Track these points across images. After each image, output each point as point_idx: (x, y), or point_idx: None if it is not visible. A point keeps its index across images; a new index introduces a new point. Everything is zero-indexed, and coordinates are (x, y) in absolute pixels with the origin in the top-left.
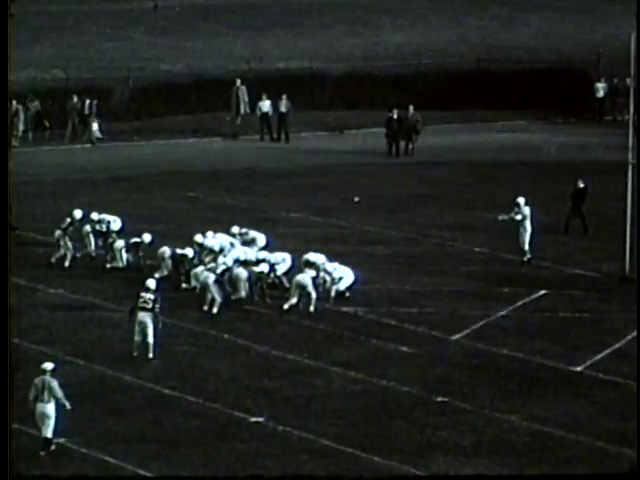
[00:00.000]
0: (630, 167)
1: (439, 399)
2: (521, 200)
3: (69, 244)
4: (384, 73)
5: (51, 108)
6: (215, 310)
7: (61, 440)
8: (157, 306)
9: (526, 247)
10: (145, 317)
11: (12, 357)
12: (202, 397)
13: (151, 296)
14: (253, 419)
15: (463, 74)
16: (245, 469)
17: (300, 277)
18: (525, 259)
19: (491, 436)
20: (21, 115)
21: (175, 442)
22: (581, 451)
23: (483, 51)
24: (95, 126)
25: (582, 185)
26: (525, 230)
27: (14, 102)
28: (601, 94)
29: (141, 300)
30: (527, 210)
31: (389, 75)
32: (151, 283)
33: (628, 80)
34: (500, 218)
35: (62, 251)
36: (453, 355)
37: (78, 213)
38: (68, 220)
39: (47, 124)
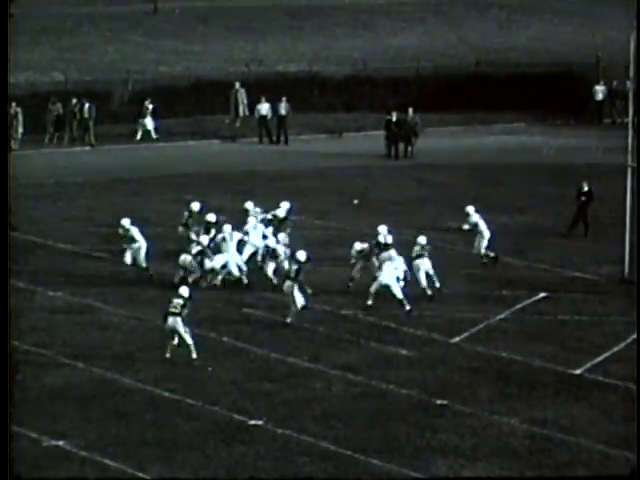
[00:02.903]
0: (629, 170)
1: (439, 402)
2: (470, 209)
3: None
4: (383, 76)
5: (72, 111)
6: (289, 320)
7: (60, 443)
8: (185, 311)
9: (482, 251)
10: (174, 322)
11: (12, 359)
12: (201, 400)
13: (180, 301)
14: (252, 422)
15: (462, 77)
16: (244, 472)
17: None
18: (487, 259)
19: (491, 439)
20: (20, 117)
21: (174, 445)
22: (581, 454)
23: (482, 54)
24: (151, 125)
25: (587, 188)
26: (483, 237)
27: (13, 104)
28: (600, 97)
29: (172, 305)
30: (476, 217)
31: (388, 78)
32: (184, 291)
33: (627, 83)
34: (449, 226)
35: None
36: (453, 358)
37: (196, 205)
38: (186, 214)
39: (68, 127)
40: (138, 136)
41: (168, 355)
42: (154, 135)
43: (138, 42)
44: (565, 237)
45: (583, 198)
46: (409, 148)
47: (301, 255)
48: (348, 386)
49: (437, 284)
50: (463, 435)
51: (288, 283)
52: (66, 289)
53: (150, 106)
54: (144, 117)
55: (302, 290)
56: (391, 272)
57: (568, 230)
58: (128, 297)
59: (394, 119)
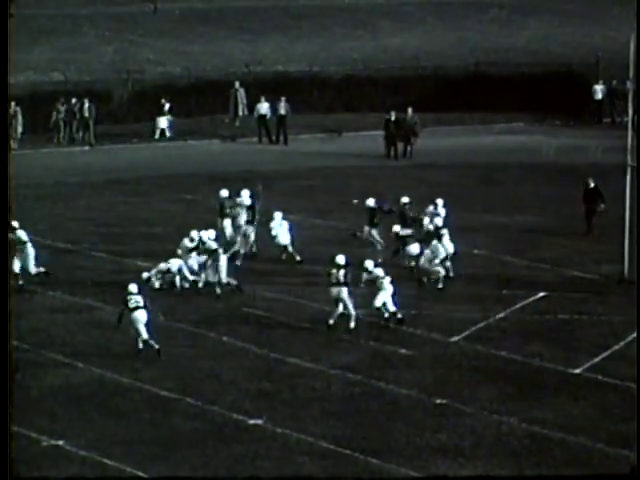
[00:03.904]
0: (629, 169)
1: (438, 401)
2: (439, 201)
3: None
4: (383, 76)
5: (72, 111)
6: (353, 324)
7: (60, 442)
8: (147, 301)
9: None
10: (141, 314)
11: (12, 359)
12: (201, 399)
13: (139, 298)
14: (252, 421)
15: (462, 77)
16: (244, 471)
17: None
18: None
19: (490, 438)
20: (19, 117)
21: (173, 444)
22: (580, 453)
23: (482, 54)
24: (166, 123)
25: (592, 185)
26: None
27: (13, 104)
28: (599, 96)
29: (132, 301)
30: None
31: (388, 78)
32: (133, 287)
33: (627, 83)
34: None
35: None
36: (452, 357)
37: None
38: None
39: (68, 127)
40: (156, 135)
41: (157, 346)
42: (168, 134)
43: (138, 42)
44: (586, 235)
45: (602, 206)
46: (408, 148)
47: (340, 259)
48: (348, 386)
49: (450, 273)
50: (462, 434)
51: (335, 289)
52: (65, 289)
53: (167, 105)
54: (162, 115)
55: (351, 295)
56: (389, 287)
57: (586, 230)
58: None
59: (393, 119)
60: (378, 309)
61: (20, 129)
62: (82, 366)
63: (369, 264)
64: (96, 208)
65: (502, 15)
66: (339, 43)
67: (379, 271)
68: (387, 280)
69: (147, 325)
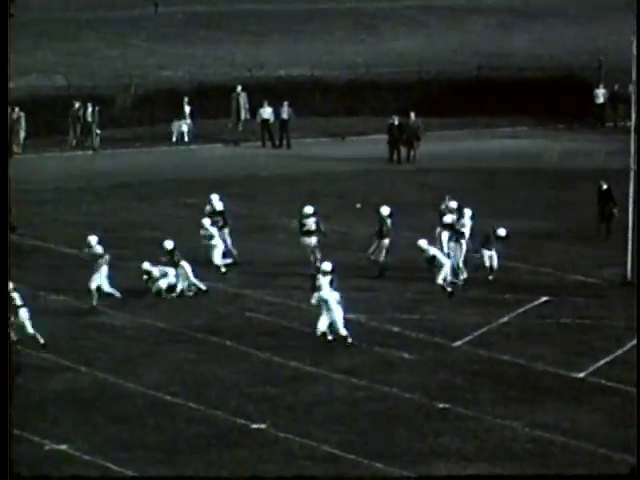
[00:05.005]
0: (632, 173)
1: (441, 405)
2: (384, 210)
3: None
4: (385, 80)
5: (76, 115)
6: (329, 334)
7: (63, 447)
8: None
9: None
10: (24, 312)
11: (12, 363)
12: (204, 404)
13: (17, 295)
14: (255, 426)
15: (464, 81)
16: (246, 476)
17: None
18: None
19: (493, 442)
20: (23, 122)
21: (177, 449)
22: (583, 457)
23: (484, 58)
24: (185, 127)
25: (605, 186)
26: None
27: (17, 109)
28: (601, 100)
29: (17, 298)
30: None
31: (390, 82)
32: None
33: (630, 87)
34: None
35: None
36: (455, 362)
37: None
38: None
39: (72, 131)
40: (173, 138)
41: (42, 341)
42: (186, 138)
43: (140, 46)
44: (597, 237)
45: (615, 211)
46: (411, 152)
47: (327, 266)
48: (350, 390)
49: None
50: (465, 438)
51: (316, 293)
52: (69, 293)
53: (187, 107)
54: (184, 118)
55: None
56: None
57: (606, 232)
58: (130, 301)
59: (396, 123)
60: (324, 334)
61: (23, 134)
62: (85, 370)
63: (327, 266)
64: (99, 213)
65: (505, 19)
66: (342, 47)
67: (327, 293)
68: (334, 300)
69: (30, 320)
